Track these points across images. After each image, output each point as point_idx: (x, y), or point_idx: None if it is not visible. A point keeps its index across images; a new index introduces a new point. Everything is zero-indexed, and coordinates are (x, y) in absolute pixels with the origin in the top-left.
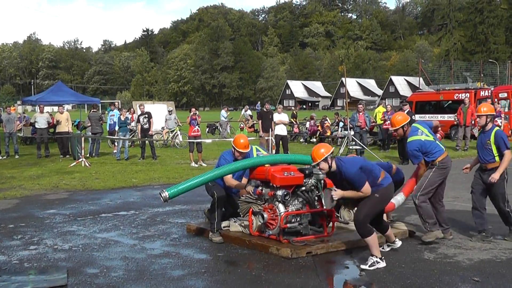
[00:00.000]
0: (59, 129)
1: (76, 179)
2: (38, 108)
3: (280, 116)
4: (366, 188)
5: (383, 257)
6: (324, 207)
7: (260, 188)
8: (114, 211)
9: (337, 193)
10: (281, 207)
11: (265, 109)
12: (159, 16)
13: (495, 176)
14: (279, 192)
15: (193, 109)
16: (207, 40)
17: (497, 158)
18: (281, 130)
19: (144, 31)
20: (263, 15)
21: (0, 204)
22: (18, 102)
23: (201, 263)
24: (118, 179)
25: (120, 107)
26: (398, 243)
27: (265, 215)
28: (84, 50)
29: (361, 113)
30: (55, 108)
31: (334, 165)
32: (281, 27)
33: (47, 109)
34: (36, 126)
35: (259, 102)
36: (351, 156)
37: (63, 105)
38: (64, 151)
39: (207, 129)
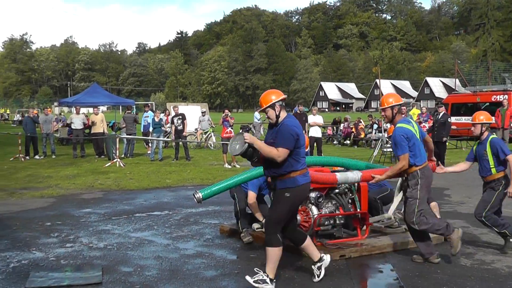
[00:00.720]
0: (94, 130)
1: (110, 179)
2: (74, 110)
3: (315, 118)
4: (282, 153)
5: (275, 280)
6: (231, 154)
7: None
8: (148, 211)
9: (251, 138)
10: (314, 209)
11: (298, 111)
12: (193, 19)
13: (511, 190)
14: (312, 194)
15: (226, 111)
16: (240, 42)
17: (493, 170)
18: (315, 132)
19: (178, 33)
20: (296, 17)
21: (38, 202)
22: (55, 104)
23: (234, 264)
24: (152, 179)
25: (154, 108)
26: (327, 259)
27: (299, 218)
28: (119, 53)
29: (403, 115)
30: (91, 110)
31: (282, 115)
32: (315, 29)
33: (82, 110)
34: (72, 127)
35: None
36: None
37: (98, 107)
38: (99, 152)
39: (240, 131)
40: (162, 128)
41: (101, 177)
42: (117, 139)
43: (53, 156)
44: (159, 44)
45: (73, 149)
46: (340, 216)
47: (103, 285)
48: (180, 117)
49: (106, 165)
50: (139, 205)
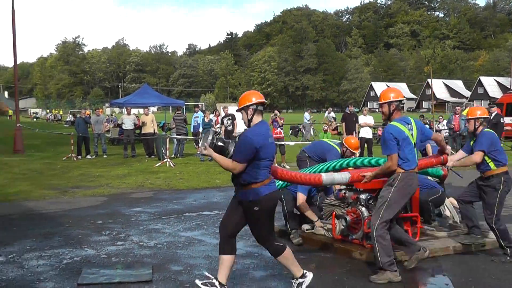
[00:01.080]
0: (145, 130)
1: (161, 179)
2: (125, 110)
3: (366, 119)
4: (236, 166)
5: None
6: (200, 149)
7: (343, 191)
8: (198, 211)
9: (208, 151)
10: (364, 211)
11: (348, 111)
12: (243, 20)
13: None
14: (363, 196)
15: (276, 111)
16: (290, 42)
17: (491, 165)
18: (366, 132)
19: (228, 34)
20: (347, 16)
21: (89, 201)
22: (106, 105)
23: (283, 265)
24: (201, 179)
25: (204, 109)
26: (309, 276)
27: (348, 219)
28: (170, 54)
29: (457, 116)
30: (141, 110)
31: (256, 120)
32: (365, 28)
33: (133, 111)
34: (123, 127)
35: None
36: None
37: (149, 107)
38: (149, 152)
39: (290, 131)
40: (212, 128)
41: (152, 177)
42: (167, 139)
43: (104, 156)
44: (209, 45)
45: (124, 149)
46: None
47: (154, 283)
48: (230, 117)
49: (156, 165)
50: (188, 205)
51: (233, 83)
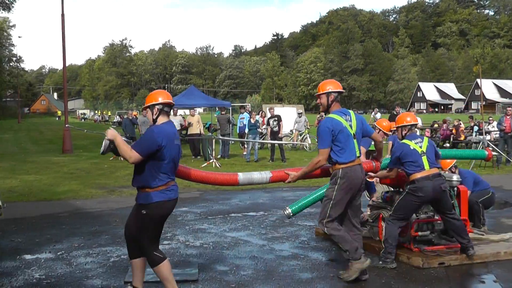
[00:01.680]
0: (191, 131)
1: None
2: (171, 111)
3: None
4: (133, 154)
5: None
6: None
7: (389, 193)
8: (244, 212)
9: (111, 134)
10: None
11: (395, 112)
12: (289, 20)
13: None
14: None
15: (321, 112)
16: (336, 43)
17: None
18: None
19: (274, 35)
20: (394, 15)
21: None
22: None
23: (329, 267)
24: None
25: (250, 110)
26: None
27: None
28: (216, 56)
29: (508, 117)
30: (187, 111)
31: (161, 120)
32: (413, 27)
33: (179, 112)
34: None
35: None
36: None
37: (195, 108)
38: (195, 152)
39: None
40: (258, 129)
41: None
42: (213, 140)
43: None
44: (255, 46)
45: None
46: (438, 221)
47: (199, 283)
48: (276, 118)
49: (202, 166)
50: (234, 206)
51: (279, 84)
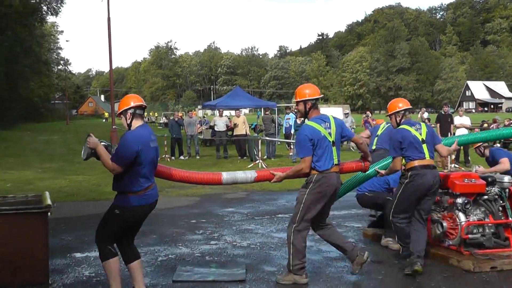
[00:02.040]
0: (237, 132)
1: None
2: (217, 112)
3: (462, 120)
4: (114, 167)
5: None
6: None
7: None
8: (290, 212)
9: (93, 143)
10: (461, 216)
11: (443, 112)
12: (334, 20)
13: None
14: (459, 200)
15: (368, 112)
16: (382, 42)
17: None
18: (462, 134)
19: (319, 35)
20: (441, 13)
21: (183, 201)
22: (199, 107)
23: (378, 269)
24: (294, 181)
25: (295, 111)
26: None
27: (445, 224)
28: (261, 56)
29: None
30: (233, 112)
31: (135, 123)
32: (461, 24)
33: (225, 113)
34: (216, 129)
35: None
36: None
37: (240, 109)
38: (241, 153)
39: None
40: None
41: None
42: (259, 141)
43: (197, 157)
44: (300, 46)
45: (216, 150)
46: (490, 224)
47: (247, 283)
48: None
49: (249, 166)
50: (281, 206)
51: (324, 84)
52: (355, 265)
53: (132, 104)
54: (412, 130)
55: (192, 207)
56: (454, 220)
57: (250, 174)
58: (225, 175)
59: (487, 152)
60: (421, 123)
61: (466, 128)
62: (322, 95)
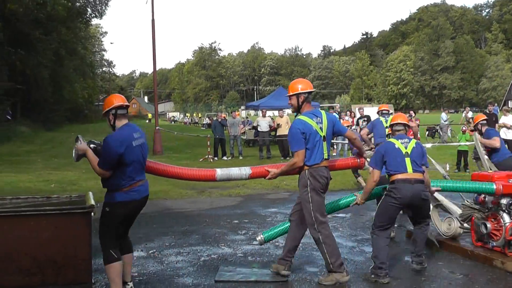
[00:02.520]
0: (280, 132)
1: (295, 180)
2: (260, 113)
3: (507, 119)
4: (100, 172)
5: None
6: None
7: (483, 195)
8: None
9: (81, 149)
10: (506, 217)
11: (488, 111)
12: (378, 19)
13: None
14: (504, 201)
15: (410, 112)
16: (426, 40)
17: None
18: (504, 134)
19: (363, 34)
20: (487, 10)
21: (226, 201)
22: (242, 107)
23: (420, 270)
24: (337, 181)
25: (339, 110)
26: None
27: (489, 225)
28: (304, 57)
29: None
30: (276, 113)
31: (119, 124)
32: (507, 22)
33: (268, 113)
34: (259, 129)
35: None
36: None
37: (283, 109)
38: (284, 153)
39: (426, 133)
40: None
41: (287, 178)
42: None
43: (240, 157)
44: (344, 46)
45: (259, 151)
46: None
47: (289, 284)
48: (365, 118)
49: None
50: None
51: (368, 84)
52: (329, 278)
53: (114, 105)
54: (397, 143)
55: (235, 208)
56: (498, 221)
57: (245, 171)
58: (219, 171)
59: (483, 129)
60: (412, 139)
61: (508, 128)
62: (314, 90)
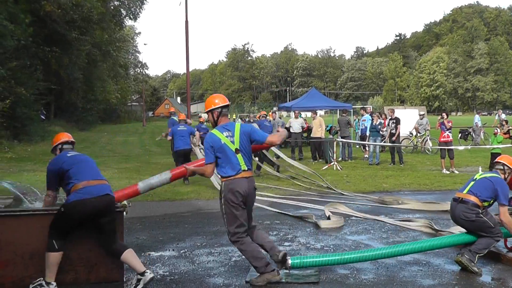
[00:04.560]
0: (313, 134)
1: (328, 182)
2: (293, 114)
3: None
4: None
5: (52, 283)
6: None
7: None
8: (365, 215)
9: None
10: None
11: None
12: (412, 20)
13: None
14: None
15: (443, 114)
16: (460, 42)
17: None
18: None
19: (396, 35)
20: None
21: (258, 202)
22: (274, 108)
23: (451, 275)
24: (368, 183)
25: (371, 112)
26: (148, 275)
27: None
28: (337, 58)
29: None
30: (309, 114)
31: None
32: None
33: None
34: (291, 130)
35: None
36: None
37: (316, 111)
38: (314, 155)
39: (459, 135)
40: (380, 132)
41: (318, 179)
42: (335, 143)
43: (274, 159)
44: (377, 47)
45: (291, 152)
46: None
47: (320, 285)
48: (394, 121)
49: (323, 168)
50: (355, 209)
51: (401, 86)
52: (277, 264)
53: (60, 141)
54: (222, 137)
55: (266, 208)
56: None
57: (165, 175)
58: (141, 185)
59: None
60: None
61: None
62: (228, 103)
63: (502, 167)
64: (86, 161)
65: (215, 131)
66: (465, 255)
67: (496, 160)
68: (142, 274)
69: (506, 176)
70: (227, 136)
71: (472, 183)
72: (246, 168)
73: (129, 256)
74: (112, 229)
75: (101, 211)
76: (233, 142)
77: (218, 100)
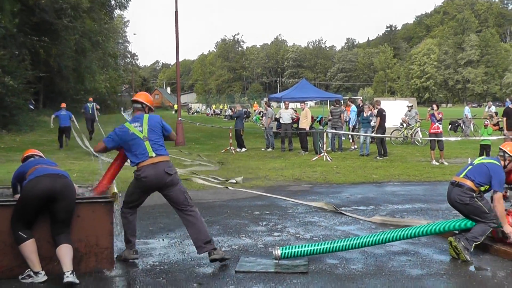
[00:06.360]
0: (301, 125)
1: (317, 173)
2: (283, 105)
3: None
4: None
5: (40, 272)
6: None
7: (504, 190)
8: (354, 205)
9: None
10: None
11: (510, 106)
12: (403, 11)
13: None
14: None
15: (433, 105)
16: (451, 34)
17: None
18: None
19: (387, 27)
20: None
21: (247, 192)
22: (265, 99)
23: (440, 265)
24: (358, 174)
25: (362, 103)
26: (69, 278)
27: (511, 219)
28: (328, 49)
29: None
30: (299, 105)
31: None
32: None
33: (291, 105)
34: (281, 121)
35: (507, 99)
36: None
37: (306, 102)
38: (303, 146)
39: (449, 126)
40: (371, 123)
41: (308, 170)
42: (325, 134)
43: (262, 149)
44: (368, 38)
45: (281, 143)
46: None
47: (309, 275)
48: (376, 112)
49: (313, 159)
50: (344, 199)
51: (391, 77)
52: (123, 255)
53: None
54: (130, 127)
55: (256, 199)
56: None
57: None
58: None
59: None
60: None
61: None
62: (137, 99)
63: (503, 154)
64: (45, 163)
65: (126, 123)
66: (462, 242)
67: (499, 146)
68: (38, 274)
69: (506, 163)
70: (135, 126)
71: (469, 167)
72: (154, 155)
73: (63, 252)
74: (66, 220)
75: (56, 192)
76: (141, 131)
77: (135, 97)
